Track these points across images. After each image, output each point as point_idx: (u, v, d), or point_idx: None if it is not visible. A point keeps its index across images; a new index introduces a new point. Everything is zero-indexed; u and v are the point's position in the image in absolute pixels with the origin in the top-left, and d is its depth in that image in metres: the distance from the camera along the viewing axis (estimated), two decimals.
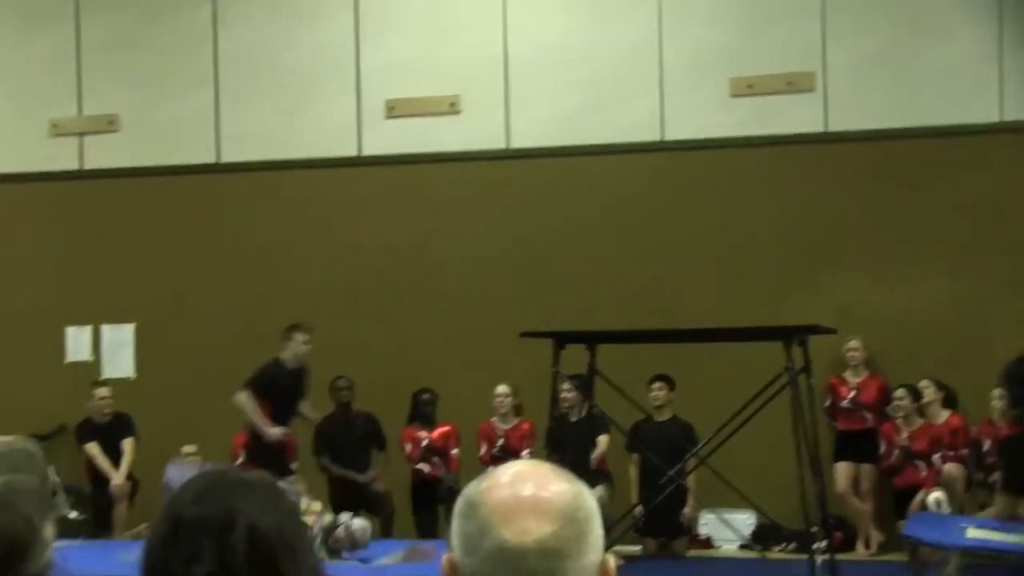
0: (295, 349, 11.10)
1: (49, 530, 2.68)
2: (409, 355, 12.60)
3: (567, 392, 10.99)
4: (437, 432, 11.84)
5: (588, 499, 1.89)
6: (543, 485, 1.88)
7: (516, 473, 1.91)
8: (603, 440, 11.54)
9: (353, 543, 8.89)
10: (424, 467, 11.79)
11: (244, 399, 10.88)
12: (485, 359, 12.24)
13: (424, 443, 11.81)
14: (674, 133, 12.43)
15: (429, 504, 11.65)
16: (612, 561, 1.89)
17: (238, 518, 2.12)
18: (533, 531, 1.82)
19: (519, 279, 12.51)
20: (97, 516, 11.87)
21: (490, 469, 1.94)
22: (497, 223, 12.67)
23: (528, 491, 1.86)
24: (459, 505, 1.91)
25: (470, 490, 1.91)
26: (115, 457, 12.11)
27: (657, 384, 11.70)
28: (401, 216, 12.91)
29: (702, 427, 10.63)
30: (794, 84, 12.22)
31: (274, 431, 10.84)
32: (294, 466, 11.46)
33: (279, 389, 11.00)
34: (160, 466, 11.62)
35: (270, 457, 10.40)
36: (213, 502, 2.14)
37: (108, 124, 13.59)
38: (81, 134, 13.68)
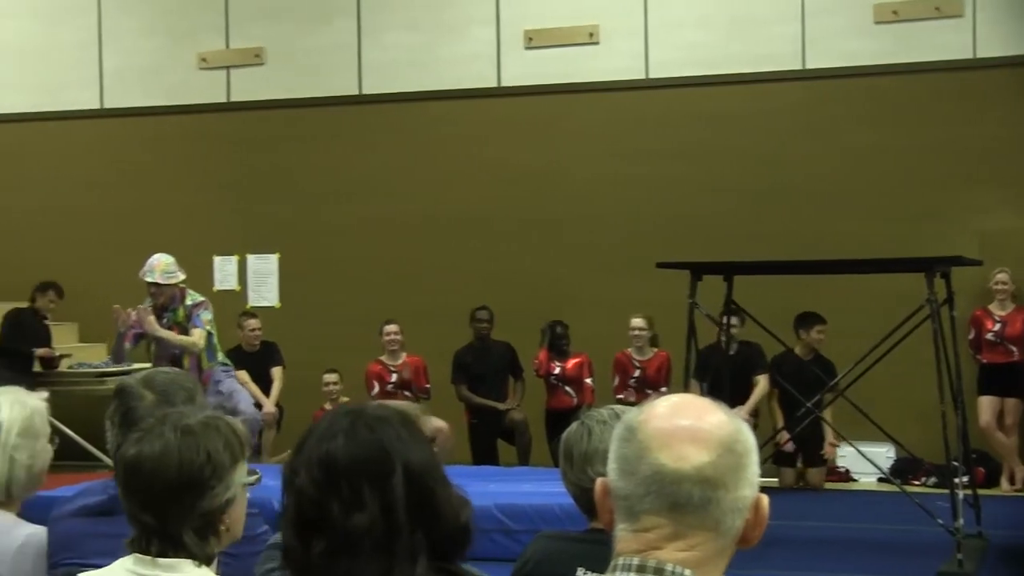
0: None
1: (239, 472, 2.70)
2: (544, 285, 12.66)
3: (734, 325, 10.70)
4: (571, 362, 11.87)
5: (747, 433, 1.90)
6: (702, 415, 1.89)
7: (676, 402, 1.93)
8: (762, 380, 11.39)
9: None
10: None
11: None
12: (620, 289, 12.25)
13: (556, 371, 11.84)
14: (815, 61, 12.25)
15: None
16: (766, 500, 1.89)
17: (394, 460, 2.10)
18: (691, 458, 1.83)
19: (656, 210, 12.47)
20: None
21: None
22: (635, 154, 12.62)
23: (688, 420, 1.87)
24: (618, 430, 1.92)
25: (630, 416, 1.92)
26: (261, 385, 12.40)
27: (822, 326, 11.41)
28: (539, 146, 12.93)
29: (840, 360, 10.52)
30: (941, 10, 11.95)
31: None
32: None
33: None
34: (302, 394, 11.89)
35: None
36: (365, 443, 2.12)
37: (254, 57, 13.80)
38: (228, 67, 13.91)
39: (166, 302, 9.52)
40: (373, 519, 2.06)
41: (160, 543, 2.60)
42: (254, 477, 2.78)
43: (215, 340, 9.80)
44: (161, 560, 2.59)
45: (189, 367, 9.34)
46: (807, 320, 11.36)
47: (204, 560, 2.64)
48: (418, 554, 2.08)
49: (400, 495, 2.08)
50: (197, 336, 9.46)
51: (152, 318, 9.36)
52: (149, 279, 9.50)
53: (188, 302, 9.56)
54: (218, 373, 9.81)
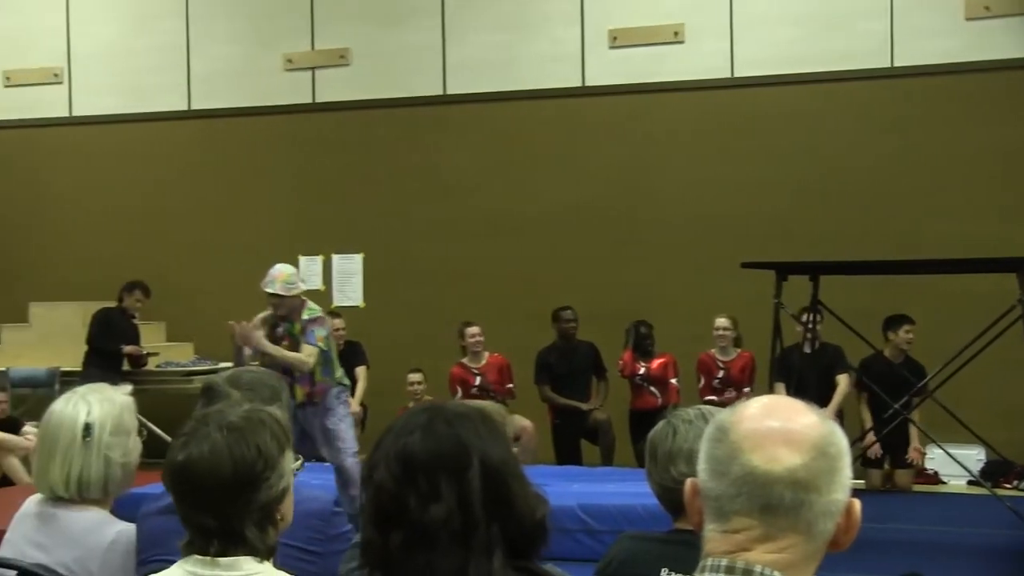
0: None
1: (287, 460, 2.73)
2: (627, 285, 12.63)
3: (813, 323, 10.64)
4: (656, 363, 11.81)
5: (840, 436, 1.89)
6: (794, 417, 1.88)
7: (768, 404, 1.92)
8: (844, 380, 11.18)
9: None
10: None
11: None
12: (704, 289, 12.20)
13: (641, 372, 11.80)
14: (904, 59, 12.11)
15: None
16: (858, 505, 1.88)
17: (471, 455, 2.12)
18: (784, 460, 1.83)
19: (740, 209, 12.39)
20: None
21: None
22: (720, 153, 12.57)
23: (780, 422, 1.87)
24: (709, 430, 1.92)
25: (722, 416, 1.93)
26: None
27: (909, 326, 11.22)
28: (623, 146, 12.90)
29: (929, 361, 10.40)
30: None
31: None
32: None
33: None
34: (386, 394, 11.93)
35: None
36: (443, 438, 2.15)
37: (339, 58, 13.88)
38: (313, 68, 14.02)
39: (287, 314, 9.29)
40: (449, 512, 2.08)
41: (220, 543, 2.61)
42: (298, 463, 2.82)
43: (333, 355, 9.44)
44: (221, 560, 2.60)
45: (299, 378, 9.18)
46: (895, 321, 11.20)
47: (266, 552, 2.66)
48: (494, 549, 2.10)
49: (476, 488, 2.10)
50: (306, 354, 9.16)
51: (260, 334, 9.14)
52: (270, 290, 9.26)
53: (305, 316, 9.30)
54: (332, 397, 9.41)
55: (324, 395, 9.25)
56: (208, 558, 2.61)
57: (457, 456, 2.12)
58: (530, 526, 2.14)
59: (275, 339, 9.23)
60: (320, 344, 9.15)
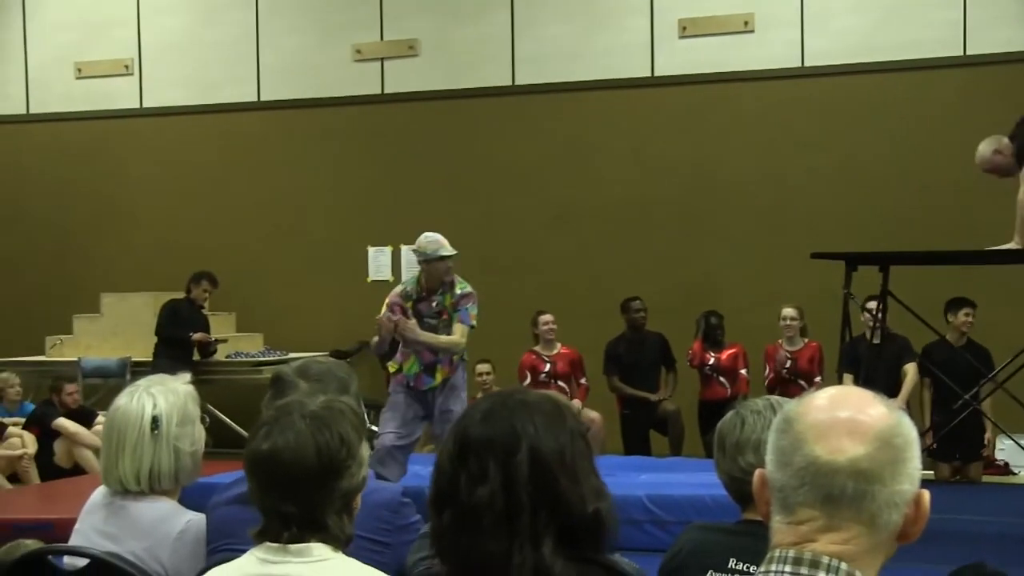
0: None
1: (365, 450, 2.77)
2: (696, 276, 12.60)
3: (867, 314, 10.64)
4: (725, 353, 11.79)
5: (908, 427, 1.88)
6: (861, 408, 1.87)
7: (835, 394, 1.92)
8: (911, 369, 11.17)
9: None
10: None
11: None
12: (773, 280, 12.15)
13: (711, 362, 11.78)
14: (977, 47, 11.98)
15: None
16: (927, 496, 1.87)
17: (522, 440, 2.15)
18: (847, 450, 1.82)
19: (810, 200, 12.33)
20: None
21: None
22: (790, 143, 12.49)
23: (846, 412, 1.86)
24: (776, 421, 1.92)
25: (789, 407, 1.92)
26: None
27: (968, 309, 11.16)
28: (693, 137, 12.87)
29: (999, 351, 10.30)
30: None
31: None
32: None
33: None
34: None
35: None
36: (498, 424, 2.18)
37: (408, 49, 13.93)
38: (382, 59, 14.06)
39: (447, 282, 8.83)
40: (493, 492, 2.11)
41: (300, 530, 2.63)
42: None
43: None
44: (291, 547, 2.63)
45: (442, 359, 8.88)
46: (955, 304, 11.13)
47: (345, 541, 2.70)
48: (543, 537, 2.11)
49: (524, 474, 2.12)
50: (460, 334, 8.81)
51: (414, 323, 8.70)
52: (445, 253, 8.77)
53: (457, 290, 8.89)
54: (460, 376, 9.10)
55: (455, 373, 9.04)
56: (279, 545, 2.63)
57: (507, 441, 2.15)
58: (581, 518, 2.15)
59: (421, 315, 8.88)
60: (473, 322, 8.92)
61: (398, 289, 9.10)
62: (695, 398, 11.82)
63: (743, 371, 11.74)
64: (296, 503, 2.63)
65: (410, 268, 13.81)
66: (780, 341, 11.65)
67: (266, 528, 2.67)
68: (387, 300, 9.01)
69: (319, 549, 2.63)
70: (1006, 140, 8.76)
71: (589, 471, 2.21)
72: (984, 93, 11.88)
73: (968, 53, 12.06)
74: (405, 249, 13.85)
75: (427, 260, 8.83)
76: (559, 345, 11.95)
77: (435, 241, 8.84)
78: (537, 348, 12.02)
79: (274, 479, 2.66)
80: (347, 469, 2.69)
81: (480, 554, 2.11)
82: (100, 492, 3.62)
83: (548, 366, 11.90)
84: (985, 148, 8.93)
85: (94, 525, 3.56)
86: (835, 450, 1.82)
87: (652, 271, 12.66)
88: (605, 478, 2.28)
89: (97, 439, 9.40)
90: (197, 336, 12.79)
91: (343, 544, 2.68)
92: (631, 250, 12.86)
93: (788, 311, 11.53)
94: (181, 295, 12.98)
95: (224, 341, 13.29)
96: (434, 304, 8.90)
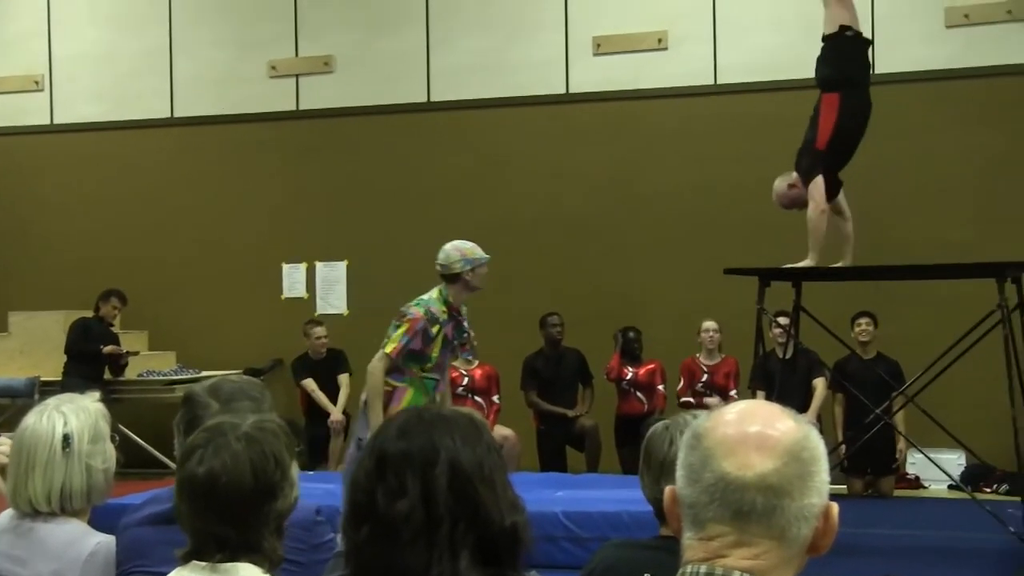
0: None
1: (295, 470, 2.74)
2: (612, 292, 12.64)
3: (778, 329, 10.84)
4: (643, 369, 11.85)
5: (816, 440, 1.88)
6: (770, 422, 1.87)
7: (744, 409, 1.91)
8: (820, 384, 11.36)
9: None
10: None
11: None
12: (688, 296, 12.22)
13: (628, 376, 11.83)
14: (885, 66, 12.13)
15: (634, 440, 11.62)
16: (835, 508, 1.87)
17: (440, 453, 2.14)
18: (755, 465, 1.82)
19: (724, 216, 12.42)
20: (312, 449, 12.25)
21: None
22: (704, 160, 12.58)
23: (754, 427, 1.86)
24: (686, 437, 1.91)
25: (698, 423, 1.91)
26: (328, 392, 12.52)
27: (864, 320, 11.42)
28: (608, 153, 12.92)
29: (910, 365, 10.44)
30: (1013, 13, 11.83)
31: None
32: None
33: None
34: None
35: None
36: (416, 437, 2.17)
37: (323, 65, 13.88)
38: (297, 75, 14.00)
39: (463, 300, 7.83)
40: (412, 506, 2.10)
41: (234, 552, 2.61)
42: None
43: None
44: (220, 566, 2.60)
45: (439, 385, 7.90)
46: (855, 316, 11.35)
47: (277, 561, 2.68)
48: (460, 550, 2.11)
49: (442, 486, 2.12)
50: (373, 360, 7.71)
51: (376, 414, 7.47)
52: (485, 256, 7.80)
53: (463, 310, 7.97)
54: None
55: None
56: (208, 564, 2.60)
57: (425, 454, 2.14)
58: (499, 531, 2.15)
59: (448, 340, 7.86)
60: (387, 349, 7.69)
61: (419, 312, 7.69)
62: (612, 414, 11.85)
63: (660, 387, 11.80)
64: (233, 525, 2.60)
65: (325, 285, 13.76)
66: (698, 355, 11.73)
67: (197, 549, 2.63)
68: (412, 327, 7.70)
69: (248, 569, 2.61)
70: (795, 173, 8.95)
71: (506, 485, 2.21)
72: (892, 110, 12.01)
73: (877, 72, 12.20)
74: (320, 266, 13.80)
75: (474, 267, 7.74)
76: (477, 361, 11.93)
77: (471, 246, 7.82)
78: (455, 363, 11.98)
79: (210, 502, 2.62)
80: (281, 491, 2.67)
81: (398, 569, 2.10)
82: (6, 515, 3.56)
83: (466, 379, 11.88)
84: (780, 184, 9.15)
85: (1, 550, 3.50)
86: (743, 466, 1.82)
87: (569, 286, 12.68)
88: (521, 494, 2.27)
89: (4, 460, 9.20)
90: (108, 349, 12.64)
91: (274, 566, 2.66)
92: (548, 266, 12.87)
93: (709, 323, 11.65)
94: (90, 314, 12.82)
95: (135, 354, 13.15)
96: (465, 323, 7.98)
